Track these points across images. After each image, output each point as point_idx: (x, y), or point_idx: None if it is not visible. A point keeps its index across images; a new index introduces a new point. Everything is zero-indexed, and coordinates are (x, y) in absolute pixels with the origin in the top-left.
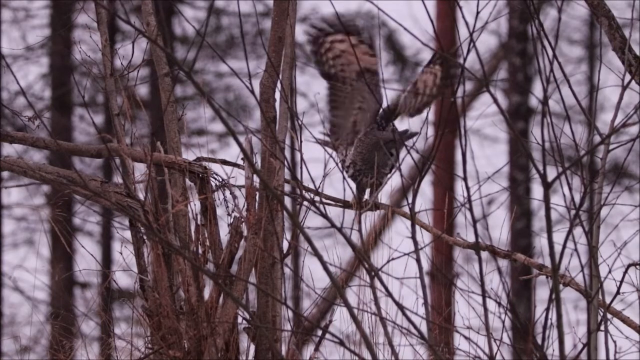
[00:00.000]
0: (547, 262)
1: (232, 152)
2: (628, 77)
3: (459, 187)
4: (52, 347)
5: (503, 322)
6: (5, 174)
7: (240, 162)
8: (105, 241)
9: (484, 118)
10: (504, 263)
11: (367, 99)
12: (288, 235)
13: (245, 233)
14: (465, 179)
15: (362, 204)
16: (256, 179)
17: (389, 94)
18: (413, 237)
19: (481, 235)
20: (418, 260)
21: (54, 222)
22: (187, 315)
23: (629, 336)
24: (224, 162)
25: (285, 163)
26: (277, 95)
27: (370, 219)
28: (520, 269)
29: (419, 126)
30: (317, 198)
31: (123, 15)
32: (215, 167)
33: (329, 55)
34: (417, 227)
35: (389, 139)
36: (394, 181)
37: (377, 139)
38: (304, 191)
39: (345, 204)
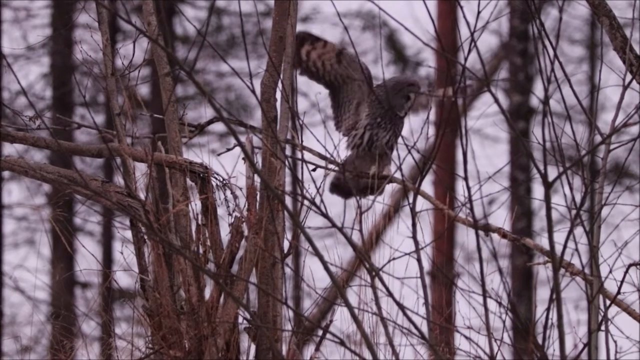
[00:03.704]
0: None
1: (233, 152)
2: (629, 76)
3: (460, 187)
4: (52, 347)
5: (504, 322)
6: (6, 173)
7: (242, 162)
8: (106, 241)
9: (485, 118)
10: (504, 263)
11: (355, 76)
12: (289, 235)
13: (246, 233)
14: (466, 178)
15: (375, 176)
16: (257, 178)
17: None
18: (414, 237)
19: (482, 236)
20: (419, 260)
21: (55, 222)
22: (187, 315)
23: (629, 336)
24: (241, 124)
25: (286, 163)
26: (278, 95)
27: (371, 218)
28: (521, 271)
29: (419, 125)
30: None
31: (124, 15)
32: (215, 168)
33: (310, 63)
34: (418, 228)
35: (410, 82)
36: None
37: (401, 81)
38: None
39: (359, 174)
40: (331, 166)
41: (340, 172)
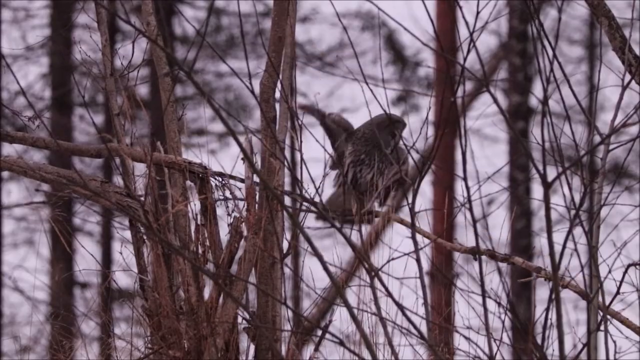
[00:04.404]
0: (548, 262)
1: (232, 152)
2: (628, 77)
3: (459, 187)
4: (52, 347)
5: (503, 322)
6: (5, 173)
7: (240, 162)
8: (105, 241)
9: (484, 118)
10: (503, 263)
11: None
12: (288, 235)
13: (245, 233)
14: (465, 179)
15: (360, 214)
16: (256, 179)
17: (388, 94)
18: (413, 237)
19: (481, 236)
20: (418, 260)
21: (54, 222)
22: (187, 315)
23: (628, 336)
24: (232, 177)
25: (285, 163)
26: (277, 95)
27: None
28: (520, 271)
29: (418, 126)
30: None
31: (123, 15)
32: (216, 168)
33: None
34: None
35: (396, 119)
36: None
37: (385, 117)
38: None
39: (344, 217)
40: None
41: (323, 211)
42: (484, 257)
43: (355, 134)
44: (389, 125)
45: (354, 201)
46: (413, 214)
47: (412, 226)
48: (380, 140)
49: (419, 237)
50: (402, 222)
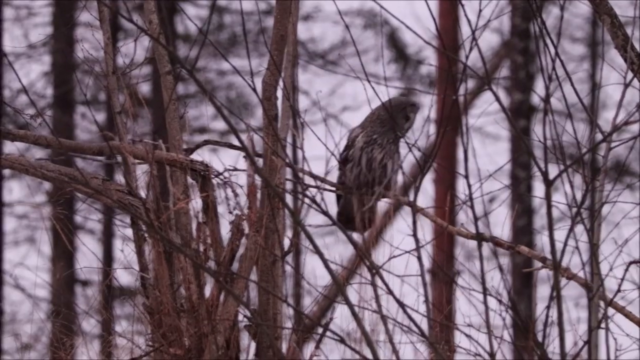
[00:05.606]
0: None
1: (234, 151)
2: (630, 75)
3: (461, 185)
4: (52, 344)
5: (504, 319)
6: (6, 171)
7: (242, 160)
8: (107, 239)
9: (486, 116)
10: (505, 261)
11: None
12: (289, 232)
13: (246, 231)
14: (466, 176)
15: (365, 192)
16: (257, 177)
17: (390, 92)
18: (414, 235)
19: (483, 233)
20: (419, 258)
21: (56, 220)
22: (188, 312)
23: (629, 334)
24: (231, 146)
25: (287, 161)
26: (279, 93)
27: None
28: (521, 267)
29: (420, 124)
30: (316, 192)
31: (125, 14)
32: (217, 167)
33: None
34: (418, 226)
35: (411, 102)
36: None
37: (400, 99)
38: (306, 183)
39: (346, 190)
40: (327, 186)
41: (340, 190)
42: (485, 254)
43: (368, 117)
44: (405, 108)
45: (356, 202)
46: (415, 211)
47: (414, 224)
48: (395, 122)
49: (420, 234)
50: (409, 204)
